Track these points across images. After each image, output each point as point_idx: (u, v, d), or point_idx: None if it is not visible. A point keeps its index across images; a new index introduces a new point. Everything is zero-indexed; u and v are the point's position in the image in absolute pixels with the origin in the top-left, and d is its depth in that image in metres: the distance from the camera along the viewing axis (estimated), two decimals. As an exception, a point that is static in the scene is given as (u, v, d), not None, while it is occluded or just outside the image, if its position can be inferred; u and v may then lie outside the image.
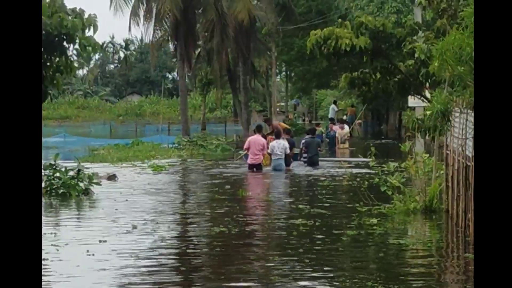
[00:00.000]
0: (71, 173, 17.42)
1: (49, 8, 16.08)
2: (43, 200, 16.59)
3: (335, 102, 59.75)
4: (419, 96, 20.76)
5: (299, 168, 24.64)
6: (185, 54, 42.79)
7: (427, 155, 16.57)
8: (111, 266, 9.75)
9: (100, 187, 17.74)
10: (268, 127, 30.06)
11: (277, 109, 63.04)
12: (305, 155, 25.74)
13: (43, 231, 12.19)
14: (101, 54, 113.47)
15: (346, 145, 36.17)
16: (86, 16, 16.46)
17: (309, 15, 52.50)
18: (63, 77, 17.17)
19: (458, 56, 11.28)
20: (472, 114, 10.75)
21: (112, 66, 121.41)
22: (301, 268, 9.64)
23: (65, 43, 16.44)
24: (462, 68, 11.42)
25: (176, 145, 36.39)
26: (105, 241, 11.39)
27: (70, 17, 16.18)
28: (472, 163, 11.02)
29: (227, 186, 19.23)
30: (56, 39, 16.20)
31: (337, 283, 8.91)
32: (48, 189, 17.25)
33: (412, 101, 25.48)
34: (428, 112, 13.23)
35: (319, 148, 26.50)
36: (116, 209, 14.95)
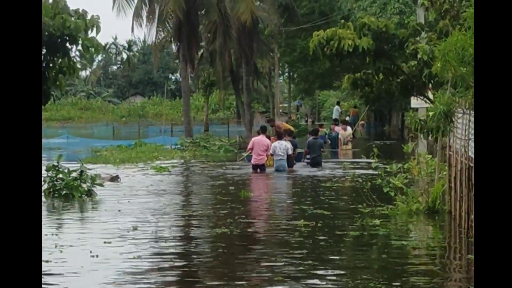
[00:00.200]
0: (74, 174, 17.43)
1: (52, 9, 16.09)
2: (46, 201, 16.62)
3: (338, 103, 59.73)
4: (421, 97, 20.76)
5: (302, 169, 24.64)
6: (188, 55, 42.80)
7: (430, 156, 16.58)
8: (114, 267, 9.75)
9: (103, 188, 17.76)
10: (271, 127, 30.10)
11: (280, 110, 63.07)
12: (308, 156, 25.81)
13: (47, 232, 12.22)
14: (104, 55, 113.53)
15: (349, 146, 36.18)
16: (89, 17, 16.47)
17: (312, 16, 52.48)
18: (66, 78, 17.19)
19: (460, 57, 11.28)
20: (475, 115, 10.73)
21: (115, 67, 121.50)
22: (304, 269, 9.63)
23: (67, 44, 16.45)
24: (465, 69, 11.42)
25: (179, 146, 36.42)
26: (109, 242, 11.40)
27: (73, 18, 16.18)
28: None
29: (231, 187, 19.23)
30: (59, 40, 16.21)
31: (340, 284, 8.90)
32: (51, 190, 17.27)
33: (415, 102, 25.46)
34: (431, 113, 13.22)
35: (322, 149, 26.52)
36: (119, 210, 14.96)
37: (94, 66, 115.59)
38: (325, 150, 29.14)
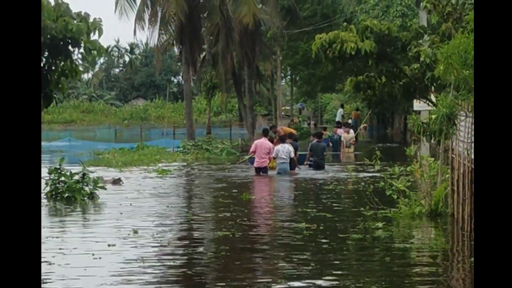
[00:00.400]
0: (76, 177, 17.44)
1: (54, 12, 16.10)
2: (49, 204, 16.62)
3: (342, 106, 59.69)
4: (424, 100, 20.75)
5: (304, 171, 24.65)
6: (190, 58, 42.81)
7: (433, 159, 16.55)
8: (117, 270, 9.76)
9: (105, 191, 17.77)
10: (274, 134, 30.12)
11: (282, 113, 63.03)
12: (311, 158, 25.85)
13: (49, 235, 12.23)
14: (106, 58, 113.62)
15: (351, 149, 36.17)
16: (91, 20, 16.48)
17: (314, 19, 52.52)
18: (68, 81, 17.19)
19: (463, 60, 11.29)
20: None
21: (117, 70, 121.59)
22: (306, 272, 9.63)
23: (70, 47, 16.46)
24: (467, 71, 11.42)
25: (181, 149, 36.42)
26: (113, 245, 11.41)
27: (75, 21, 16.20)
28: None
29: (233, 190, 19.24)
30: (61, 43, 16.23)
31: (342, 287, 8.90)
32: (53, 193, 17.29)
33: (418, 104, 25.50)
34: (433, 116, 13.22)
35: (324, 153, 26.55)
36: (121, 213, 14.97)
37: (96, 69, 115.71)
38: (327, 153, 29.12)
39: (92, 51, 16.50)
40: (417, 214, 14.22)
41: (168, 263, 10.34)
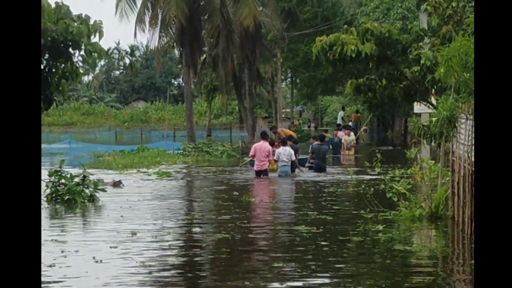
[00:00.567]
0: (76, 179, 17.44)
1: (55, 14, 16.12)
2: (49, 206, 16.62)
3: (343, 109, 59.67)
4: (425, 103, 20.74)
5: (305, 174, 24.65)
6: (191, 60, 42.83)
7: (433, 161, 16.57)
8: (118, 273, 9.77)
9: (106, 193, 17.76)
10: (274, 134, 30.10)
11: (283, 115, 63.07)
12: (312, 161, 25.86)
13: (50, 237, 12.23)
14: (106, 60, 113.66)
15: (352, 151, 36.17)
16: (91, 22, 16.49)
17: (315, 21, 52.53)
18: (68, 83, 17.20)
19: (463, 63, 11.30)
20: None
21: (117, 72, 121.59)
22: (306, 274, 9.63)
23: (70, 49, 16.47)
24: (468, 74, 11.43)
25: (182, 151, 36.44)
26: (114, 247, 11.41)
27: (75, 23, 16.21)
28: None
29: (234, 192, 19.23)
30: (62, 45, 16.24)
31: (342, 290, 8.91)
32: (54, 195, 17.29)
33: (418, 107, 25.48)
34: (434, 119, 13.23)
35: (326, 155, 26.59)
36: (122, 216, 14.97)
37: (97, 71, 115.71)
38: (328, 156, 29.09)
39: (93, 53, 16.51)
40: (418, 216, 14.22)
41: (168, 265, 10.34)
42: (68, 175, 17.48)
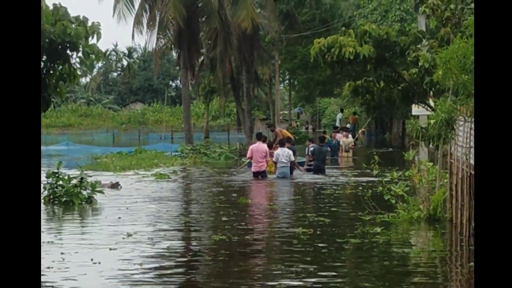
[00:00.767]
0: (74, 181, 17.43)
1: (53, 16, 16.11)
2: (46, 208, 16.61)
3: (342, 111, 59.63)
4: (423, 105, 20.78)
5: (304, 176, 24.65)
6: (188, 62, 42.83)
7: (431, 163, 16.56)
8: (116, 275, 9.76)
9: (103, 195, 17.77)
10: (271, 133, 30.05)
11: (280, 117, 63.11)
12: (311, 162, 25.86)
13: (48, 239, 12.22)
14: (104, 62, 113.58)
15: (350, 153, 36.19)
16: (89, 24, 16.48)
17: (313, 23, 52.59)
18: (66, 85, 17.18)
19: (462, 65, 11.30)
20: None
21: (115, 74, 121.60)
22: (304, 277, 9.63)
23: (68, 51, 16.46)
24: (466, 76, 11.43)
25: (179, 153, 36.43)
26: (114, 249, 11.40)
27: (73, 25, 16.20)
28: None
29: (232, 194, 19.22)
30: (60, 47, 16.22)
31: (340, 292, 8.91)
32: (51, 197, 17.28)
33: (416, 109, 25.49)
34: (432, 121, 13.24)
35: (326, 157, 26.61)
36: (119, 218, 14.96)
37: (94, 73, 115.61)
38: (328, 157, 29.05)
39: (90, 55, 16.50)
40: (416, 219, 14.23)
41: (166, 268, 10.33)
42: (66, 177, 17.47)
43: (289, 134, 32.93)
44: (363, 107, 53.79)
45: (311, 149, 26.40)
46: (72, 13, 16.60)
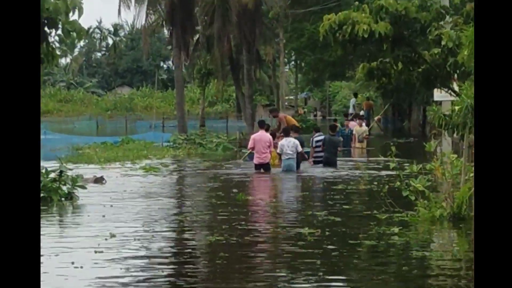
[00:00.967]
0: (52, 175, 17.43)
1: (29, -12, 16.09)
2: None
3: (355, 95, 59.44)
4: (446, 89, 20.78)
5: (312, 169, 24.64)
6: (182, 40, 42.82)
7: (455, 155, 16.55)
8: (99, 280, 9.77)
9: (85, 191, 17.77)
10: (275, 120, 29.94)
11: (286, 103, 63.10)
12: (321, 153, 25.64)
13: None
14: (86, 41, 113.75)
15: (364, 144, 36.10)
16: (70, -2, 16.49)
17: (322, -3, 52.53)
18: (44, 67, 17.20)
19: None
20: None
21: (99, 54, 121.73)
22: (314, 282, 9.64)
23: (46, 28, 16.45)
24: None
25: (171, 143, 36.48)
26: (100, 252, 11.42)
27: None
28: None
29: (232, 190, 19.23)
30: (37, 23, 16.21)
31: (352, 300, 8.93)
32: (27, 193, 17.28)
33: (438, 94, 25.49)
34: (456, 107, 13.24)
35: (339, 148, 26.41)
36: (103, 216, 14.97)
37: (76, 53, 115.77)
38: (340, 149, 28.91)
39: (71, 33, 16.50)
40: (438, 218, 14.23)
41: (155, 271, 10.35)
42: (43, 170, 17.47)
43: (295, 122, 32.83)
44: (379, 92, 54.00)
45: (320, 138, 26.14)
46: (51, -15, 16.60)
